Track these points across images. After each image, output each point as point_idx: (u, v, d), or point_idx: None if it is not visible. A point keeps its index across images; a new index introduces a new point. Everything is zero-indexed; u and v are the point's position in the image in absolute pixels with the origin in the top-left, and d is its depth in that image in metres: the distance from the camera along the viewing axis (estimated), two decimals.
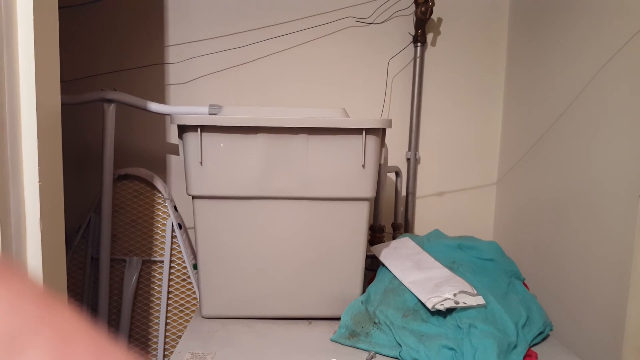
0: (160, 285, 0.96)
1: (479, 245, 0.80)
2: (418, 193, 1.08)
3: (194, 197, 0.68)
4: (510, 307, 0.68)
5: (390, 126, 0.68)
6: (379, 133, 0.67)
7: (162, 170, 1.01)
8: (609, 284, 0.67)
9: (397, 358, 0.62)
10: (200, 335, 0.67)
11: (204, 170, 0.65)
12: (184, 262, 0.96)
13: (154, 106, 0.88)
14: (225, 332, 0.68)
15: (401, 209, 1.04)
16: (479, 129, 1.08)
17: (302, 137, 0.66)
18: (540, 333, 0.67)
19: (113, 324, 0.95)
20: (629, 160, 0.64)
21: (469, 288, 0.68)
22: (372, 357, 0.62)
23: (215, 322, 0.71)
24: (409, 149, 1.05)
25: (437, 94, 1.05)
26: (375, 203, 0.96)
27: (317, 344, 0.64)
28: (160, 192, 0.95)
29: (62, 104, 0.90)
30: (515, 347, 0.62)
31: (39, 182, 0.59)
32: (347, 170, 0.67)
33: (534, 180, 0.93)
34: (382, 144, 0.69)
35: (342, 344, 0.65)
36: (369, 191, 0.68)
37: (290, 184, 0.67)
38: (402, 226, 1.03)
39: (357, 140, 0.66)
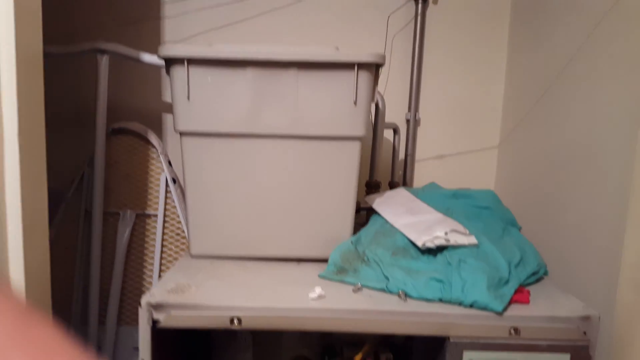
0: (154, 239, 0.97)
1: (475, 194, 0.80)
2: (417, 156, 1.08)
3: (181, 134, 0.68)
4: (504, 248, 0.67)
5: (383, 62, 0.68)
6: (372, 69, 0.68)
7: (157, 128, 1.03)
8: (606, 230, 0.67)
9: (383, 290, 0.62)
10: (187, 269, 0.68)
11: (191, 106, 0.66)
12: (178, 217, 0.97)
13: (147, 57, 0.90)
14: (213, 267, 0.69)
15: (399, 172, 1.04)
16: (481, 90, 1.07)
17: (292, 73, 0.66)
18: (535, 273, 0.67)
19: (106, 278, 0.97)
20: (628, 113, 0.65)
21: (461, 228, 0.68)
22: (359, 289, 0.62)
23: (204, 260, 0.72)
24: (409, 110, 1.05)
25: (438, 53, 1.05)
26: (372, 159, 0.97)
27: (305, 278, 0.64)
28: (154, 147, 0.97)
29: (54, 55, 0.92)
30: (507, 282, 0.61)
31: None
32: (338, 107, 0.67)
33: (536, 142, 0.93)
34: (376, 82, 0.70)
35: (330, 279, 0.66)
36: (360, 129, 0.68)
37: (279, 121, 0.67)
38: (400, 184, 1.03)
39: (349, 76, 0.67)
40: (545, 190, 0.87)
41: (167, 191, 0.97)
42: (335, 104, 0.67)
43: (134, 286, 0.97)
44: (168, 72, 0.66)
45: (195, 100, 0.66)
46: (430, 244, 0.65)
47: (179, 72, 0.66)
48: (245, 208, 0.71)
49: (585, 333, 0.56)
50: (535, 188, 0.92)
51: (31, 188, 0.67)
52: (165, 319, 0.55)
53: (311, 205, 0.71)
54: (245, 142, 0.68)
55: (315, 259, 0.73)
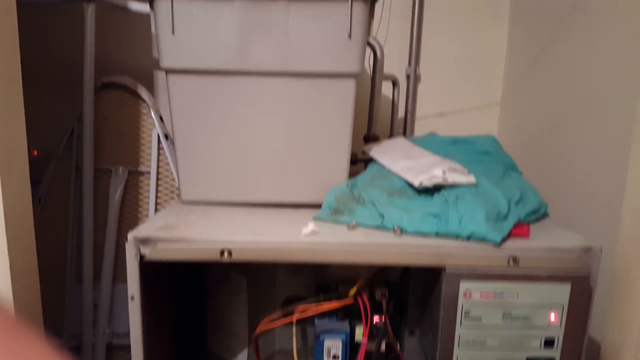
0: (147, 197, 0.96)
1: (475, 140, 0.78)
2: (418, 113, 1.07)
3: (167, 72, 0.67)
4: (504, 188, 0.66)
5: None
6: (367, 1, 0.66)
7: (148, 85, 1.01)
8: (609, 175, 0.66)
9: (379, 227, 0.61)
10: (177, 213, 0.67)
11: (176, 40, 0.64)
12: (171, 173, 0.96)
13: (135, 5, 0.88)
14: (205, 210, 0.68)
15: (399, 130, 1.03)
16: (483, 46, 1.05)
17: (282, 4, 0.64)
18: (535, 212, 0.65)
19: (100, 236, 0.96)
20: (630, 64, 0.63)
21: (460, 167, 0.66)
22: (353, 227, 0.61)
23: (195, 205, 0.71)
24: (409, 64, 1.03)
25: (440, 7, 1.03)
26: (370, 112, 0.95)
27: (299, 219, 0.63)
28: (145, 102, 0.95)
29: (36, 5, 0.90)
30: (505, 217, 0.60)
31: None
32: (331, 41, 0.65)
33: (538, 97, 0.91)
34: (371, 15, 0.67)
35: (324, 220, 0.64)
36: (355, 65, 0.66)
37: (269, 57, 0.66)
38: None
39: (342, 8, 0.65)
40: (548, 145, 0.86)
41: (159, 148, 0.96)
42: (328, 38, 0.65)
43: None
44: (152, 5, 0.65)
45: (180, 34, 0.64)
46: (427, 183, 0.64)
47: (162, 4, 0.64)
48: (237, 151, 0.69)
49: (586, 264, 0.55)
50: (538, 143, 0.91)
51: (9, 154, 0.66)
52: (152, 252, 0.54)
53: (305, 148, 0.70)
54: (234, 81, 0.67)
55: (310, 205, 0.71)
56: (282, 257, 0.55)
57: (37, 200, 0.94)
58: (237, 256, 0.55)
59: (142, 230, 0.57)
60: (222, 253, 0.54)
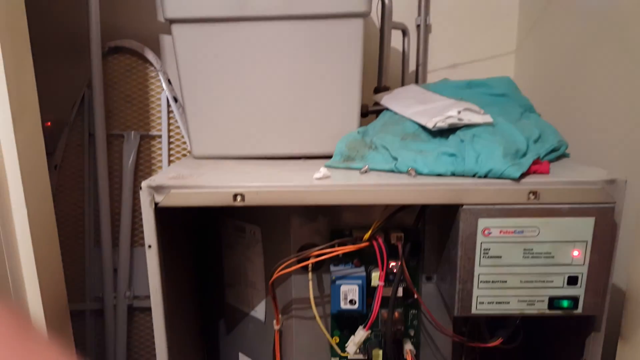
0: (160, 161, 0.96)
1: (490, 82, 0.75)
2: (429, 66, 1.03)
3: (171, 23, 0.65)
4: (522, 128, 0.63)
5: None
6: None
7: (155, 48, 1.00)
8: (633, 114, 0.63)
9: (392, 171, 0.59)
10: (189, 164, 0.66)
11: None
12: (182, 137, 0.96)
13: None
14: (216, 163, 0.67)
15: (411, 82, 1.00)
16: None
17: None
18: (555, 150, 0.63)
19: (116, 201, 0.96)
20: None
21: (475, 107, 0.64)
22: (366, 171, 0.59)
23: (207, 160, 0.70)
24: (419, 14, 0.99)
25: None
26: (380, 62, 0.92)
27: (311, 167, 0.62)
28: (152, 65, 0.94)
29: None
30: (524, 154, 0.58)
31: None
32: None
33: (555, 40, 0.87)
34: None
35: (336, 167, 0.63)
36: (362, 3, 0.64)
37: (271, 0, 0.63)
38: None
39: None
40: (567, 90, 0.83)
41: (169, 111, 0.95)
42: None
43: None
44: None
45: None
46: (441, 124, 0.61)
47: None
48: (244, 102, 0.68)
49: (610, 196, 0.53)
50: (556, 89, 0.87)
51: (25, 124, 0.66)
52: (166, 199, 0.54)
53: (314, 96, 0.68)
54: (237, 28, 0.65)
55: (322, 156, 0.70)
56: (295, 199, 0.54)
57: (53, 168, 0.94)
58: (250, 200, 0.54)
59: (155, 179, 0.56)
60: (234, 197, 0.54)
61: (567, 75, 0.83)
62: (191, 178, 0.58)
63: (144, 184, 0.55)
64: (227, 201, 0.54)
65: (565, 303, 0.55)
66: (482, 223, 0.53)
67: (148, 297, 0.99)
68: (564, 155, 0.67)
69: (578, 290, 0.55)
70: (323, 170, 0.57)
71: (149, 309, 1.00)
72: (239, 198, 0.54)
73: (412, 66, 1.02)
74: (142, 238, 0.98)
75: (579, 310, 0.55)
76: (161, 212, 0.56)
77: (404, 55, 0.97)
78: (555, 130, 0.67)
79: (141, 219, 0.98)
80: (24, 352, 0.20)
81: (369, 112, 0.83)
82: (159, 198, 0.55)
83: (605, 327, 0.58)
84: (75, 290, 0.97)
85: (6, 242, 0.65)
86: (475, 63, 1.03)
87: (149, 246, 0.57)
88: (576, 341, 0.61)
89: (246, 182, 0.55)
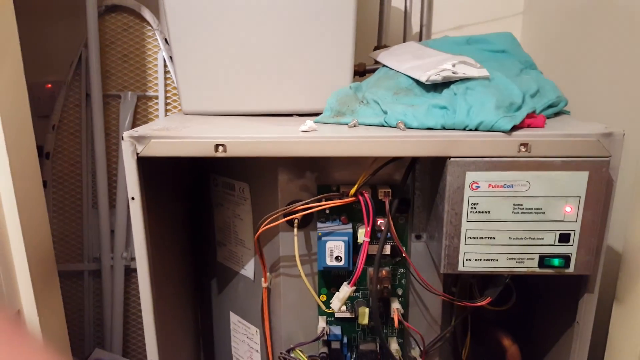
0: None
1: (490, 38, 0.72)
2: (433, 28, 1.00)
3: None
4: (520, 83, 0.61)
5: None
6: None
7: (152, 6, 0.98)
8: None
9: (382, 125, 0.58)
10: (176, 119, 0.66)
11: None
12: (179, 97, 0.95)
13: None
14: (204, 119, 0.67)
15: (413, 36, 0.97)
16: None
17: None
18: (553, 106, 0.61)
19: (113, 162, 0.97)
20: None
21: (472, 61, 0.62)
22: (354, 125, 0.58)
23: (196, 116, 0.70)
24: None
25: None
26: (380, 19, 0.90)
27: (299, 122, 0.60)
28: (149, 24, 0.93)
29: None
30: (519, 108, 0.56)
31: None
32: None
33: (561, 2, 0.84)
34: None
35: (325, 123, 0.62)
36: None
37: None
38: None
39: None
40: (572, 52, 0.80)
41: (165, 71, 0.95)
42: None
43: None
44: None
45: None
46: (435, 77, 0.59)
47: None
48: (234, 58, 0.67)
49: (606, 149, 0.50)
50: (563, 51, 0.84)
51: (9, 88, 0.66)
52: (147, 148, 0.54)
53: (305, 51, 0.67)
54: None
55: (313, 113, 0.69)
56: (278, 151, 0.53)
57: (51, 128, 0.95)
58: (232, 151, 0.53)
59: (137, 130, 0.56)
60: (216, 148, 0.53)
61: (574, 36, 0.80)
62: (175, 130, 0.57)
63: (125, 134, 0.54)
64: (209, 152, 0.53)
65: (556, 261, 0.53)
66: (470, 176, 0.52)
67: None
68: (563, 113, 0.65)
69: (570, 249, 0.53)
70: (309, 123, 0.56)
71: None
72: (220, 149, 0.53)
73: (415, 28, 0.99)
74: None
75: (571, 269, 0.54)
76: (145, 164, 0.56)
77: (406, 15, 0.94)
78: (555, 86, 0.64)
79: None
80: (18, 357, 0.21)
81: (367, 70, 0.81)
82: (140, 148, 0.54)
83: (599, 290, 0.57)
84: (73, 250, 0.99)
85: None
86: (481, 25, 0.99)
87: (132, 198, 0.56)
88: (569, 303, 0.60)
89: (229, 133, 0.54)
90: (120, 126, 0.95)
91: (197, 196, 0.78)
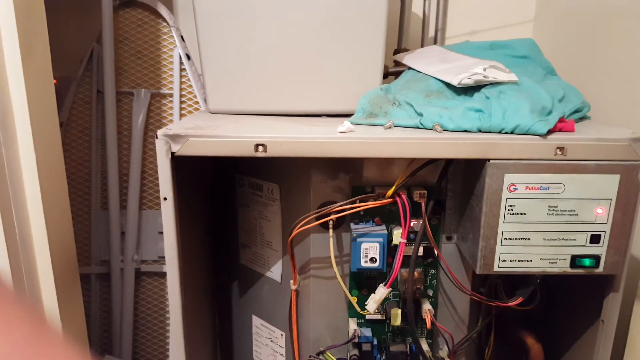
0: (171, 121, 0.97)
1: (513, 43, 0.76)
2: (448, 32, 1.04)
3: None
4: (546, 87, 0.64)
5: None
6: None
7: (168, 2, 0.99)
8: None
9: (417, 127, 0.60)
10: (205, 118, 0.67)
11: None
12: (195, 96, 0.96)
13: None
14: (233, 117, 0.68)
15: (429, 39, 1.00)
16: None
17: None
18: (578, 111, 0.64)
19: (125, 162, 0.97)
20: None
21: (501, 66, 0.65)
22: (390, 127, 0.60)
23: (223, 115, 0.71)
24: None
25: None
26: (400, 25, 0.93)
27: (332, 124, 0.63)
28: (165, 20, 0.94)
29: None
30: (550, 112, 0.59)
31: None
32: None
33: (572, 9, 0.88)
34: None
35: (358, 124, 0.64)
36: None
37: None
38: None
39: None
40: (585, 58, 0.84)
41: (181, 69, 0.96)
42: None
43: (154, 169, 0.98)
44: None
45: None
46: (467, 81, 0.62)
47: None
48: (265, 56, 0.69)
49: (637, 153, 0.54)
50: (574, 58, 0.88)
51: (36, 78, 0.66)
52: (184, 148, 0.55)
53: (337, 51, 0.69)
54: None
55: (342, 114, 0.71)
56: (319, 151, 0.55)
57: (59, 125, 0.95)
58: (272, 151, 0.55)
59: (171, 128, 0.57)
60: (256, 147, 0.55)
61: (585, 43, 0.84)
62: (209, 129, 0.58)
63: (160, 132, 0.56)
64: (249, 151, 0.55)
65: (587, 262, 0.57)
66: (509, 178, 0.55)
67: (156, 261, 1.01)
68: (585, 118, 0.68)
69: (600, 249, 0.57)
70: (347, 124, 0.58)
71: (157, 274, 1.02)
72: (260, 148, 0.55)
73: (431, 32, 1.02)
74: (151, 201, 1.00)
75: (600, 269, 0.57)
76: (177, 164, 0.57)
77: (424, 19, 0.97)
78: (578, 91, 0.68)
79: (150, 181, 0.99)
80: (39, 354, 0.21)
81: (389, 73, 0.84)
82: (175, 147, 0.55)
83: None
84: (80, 253, 0.99)
85: (16, 204, 0.65)
86: (493, 30, 1.03)
87: (165, 198, 0.58)
88: (593, 302, 0.63)
89: (268, 132, 0.56)
90: (133, 124, 0.95)
91: (220, 197, 0.79)
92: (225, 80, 0.70)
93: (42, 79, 0.71)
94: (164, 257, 0.99)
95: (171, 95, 0.95)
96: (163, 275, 1.01)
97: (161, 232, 0.99)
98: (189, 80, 0.95)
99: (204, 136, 0.56)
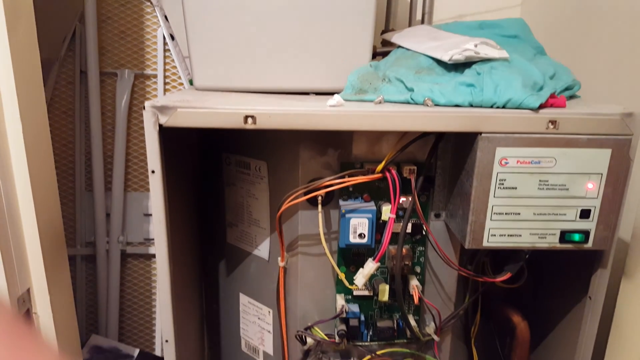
0: None
1: (502, 23, 0.73)
2: (435, 16, 1.01)
3: None
4: (536, 65, 0.62)
5: None
6: None
7: None
8: None
9: (408, 102, 0.57)
10: (191, 93, 0.64)
11: None
12: (179, 77, 0.92)
13: None
14: (221, 94, 0.65)
15: (416, 22, 0.97)
16: None
17: None
18: (569, 88, 0.62)
19: (109, 143, 0.93)
20: None
21: (492, 42, 0.62)
22: (380, 102, 0.57)
23: (210, 91, 0.67)
24: None
25: None
26: (388, 5, 0.89)
27: (321, 101, 0.59)
28: (149, 0, 0.89)
29: None
30: (541, 88, 0.57)
31: None
32: None
33: None
34: None
35: (348, 100, 0.61)
36: None
37: None
38: None
39: None
40: (572, 43, 0.82)
41: (165, 49, 0.91)
42: None
43: (138, 151, 0.93)
44: None
45: None
46: (458, 56, 0.60)
47: None
48: (252, 31, 0.65)
49: (628, 128, 0.52)
50: (562, 42, 0.86)
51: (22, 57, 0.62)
52: (172, 119, 0.51)
53: (325, 27, 0.65)
54: None
55: (331, 92, 0.67)
56: (309, 124, 0.52)
57: None
58: (262, 123, 0.52)
59: (159, 100, 0.53)
60: (245, 119, 0.51)
61: (571, 27, 0.82)
62: (197, 102, 0.55)
63: (147, 103, 0.52)
64: (238, 123, 0.51)
65: (576, 237, 0.55)
66: (500, 152, 0.52)
67: (142, 243, 0.97)
68: (575, 97, 0.66)
69: (589, 224, 0.55)
70: (337, 97, 0.55)
71: (143, 256, 0.98)
72: (250, 120, 0.51)
73: (418, 15, 0.99)
74: (136, 183, 0.95)
75: (589, 244, 0.55)
76: (164, 136, 0.53)
77: (412, 2, 0.94)
78: (569, 70, 0.66)
79: (135, 163, 0.95)
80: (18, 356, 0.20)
81: (377, 53, 0.80)
82: (163, 119, 0.52)
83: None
84: (65, 234, 0.94)
85: (4, 182, 0.60)
86: (481, 14, 1.01)
87: (152, 171, 0.54)
88: (581, 280, 0.61)
89: (258, 105, 0.53)
90: (117, 105, 0.91)
91: (206, 177, 0.76)
92: (212, 55, 0.66)
93: (28, 53, 0.66)
94: (149, 240, 0.96)
95: (155, 76, 0.91)
96: (149, 257, 0.97)
97: (147, 215, 0.95)
98: (173, 61, 0.91)
99: (193, 107, 0.52)
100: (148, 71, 0.91)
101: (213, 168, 0.73)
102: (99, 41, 0.89)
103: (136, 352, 0.91)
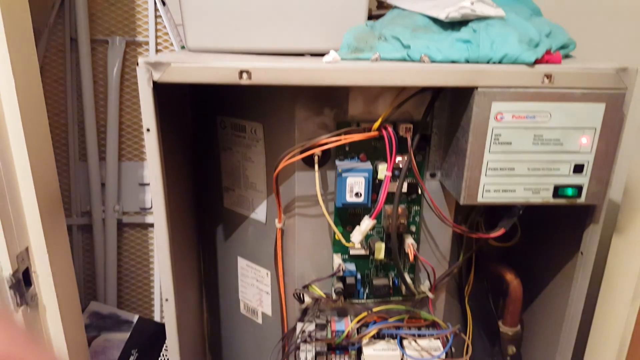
0: None
1: None
2: None
3: None
4: (533, 23, 0.61)
5: None
6: None
7: None
8: None
9: (404, 60, 0.56)
10: (184, 53, 0.62)
11: None
12: (171, 44, 0.90)
13: None
14: (215, 55, 0.63)
15: None
16: None
17: None
18: (565, 47, 0.61)
19: (102, 112, 0.91)
20: None
21: (488, 0, 0.61)
22: (376, 59, 0.56)
23: (203, 52, 0.65)
24: None
25: None
26: None
27: (317, 61, 0.58)
28: None
29: None
30: (537, 45, 0.56)
31: None
32: None
33: None
34: None
35: (344, 58, 0.60)
36: None
37: None
38: None
39: None
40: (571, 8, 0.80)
41: (156, 15, 0.88)
42: None
43: (132, 120, 0.92)
44: None
45: None
46: (455, 14, 0.58)
47: None
48: None
49: (622, 82, 0.52)
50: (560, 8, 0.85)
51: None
52: (165, 74, 0.50)
53: None
54: None
55: (327, 53, 0.66)
56: (305, 79, 0.51)
57: None
58: (257, 78, 0.50)
59: (153, 57, 0.52)
60: (240, 74, 0.50)
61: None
62: (191, 59, 0.53)
63: (140, 60, 0.50)
64: (233, 78, 0.50)
65: (569, 191, 0.55)
66: (496, 107, 0.52)
67: (138, 213, 0.96)
68: (570, 57, 0.66)
69: (583, 179, 0.55)
70: (333, 53, 0.54)
71: (139, 225, 0.97)
72: (245, 75, 0.50)
73: None
74: (130, 152, 0.94)
75: (582, 199, 0.55)
76: (159, 96, 0.52)
77: None
78: (564, 30, 0.65)
79: (128, 132, 0.93)
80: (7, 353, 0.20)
81: (372, 16, 0.79)
82: (157, 75, 0.50)
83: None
84: None
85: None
86: None
87: (148, 129, 0.53)
88: (573, 235, 0.62)
89: (253, 61, 0.51)
90: (109, 73, 0.88)
91: (201, 141, 0.74)
92: (206, 15, 0.64)
93: (20, 19, 0.63)
94: (145, 209, 0.95)
95: (147, 43, 0.89)
96: (146, 226, 0.96)
97: (142, 184, 0.94)
98: (164, 27, 0.88)
99: (187, 62, 0.51)
100: (139, 38, 0.89)
101: (208, 132, 0.72)
102: (89, 7, 0.86)
103: (135, 317, 0.91)
